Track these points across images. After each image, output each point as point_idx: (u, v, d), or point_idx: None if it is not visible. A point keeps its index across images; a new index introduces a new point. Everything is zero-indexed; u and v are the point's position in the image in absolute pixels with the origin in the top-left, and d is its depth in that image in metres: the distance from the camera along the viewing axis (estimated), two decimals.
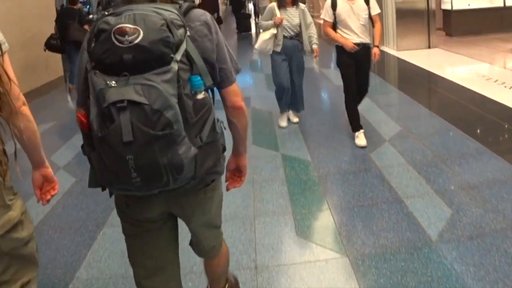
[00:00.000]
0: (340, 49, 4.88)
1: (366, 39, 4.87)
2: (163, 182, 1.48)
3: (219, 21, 17.00)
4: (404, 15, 11.06)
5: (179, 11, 1.58)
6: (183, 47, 1.50)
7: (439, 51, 10.90)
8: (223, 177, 1.94)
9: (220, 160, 1.77)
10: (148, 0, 1.61)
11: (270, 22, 5.42)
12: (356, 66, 4.87)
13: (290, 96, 5.65)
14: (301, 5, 5.54)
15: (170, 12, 1.52)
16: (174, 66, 1.45)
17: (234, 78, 1.78)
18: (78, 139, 2.59)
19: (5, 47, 1.64)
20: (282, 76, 5.53)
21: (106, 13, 1.53)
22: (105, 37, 1.47)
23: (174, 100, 1.44)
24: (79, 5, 9.15)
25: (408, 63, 9.72)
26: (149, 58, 1.44)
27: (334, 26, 4.86)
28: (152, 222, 1.81)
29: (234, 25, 18.96)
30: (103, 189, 1.68)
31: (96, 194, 3.33)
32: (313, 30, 5.52)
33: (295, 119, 5.92)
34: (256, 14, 20.34)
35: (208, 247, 2.03)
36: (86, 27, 8.12)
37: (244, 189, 3.40)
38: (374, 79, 7.06)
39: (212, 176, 1.78)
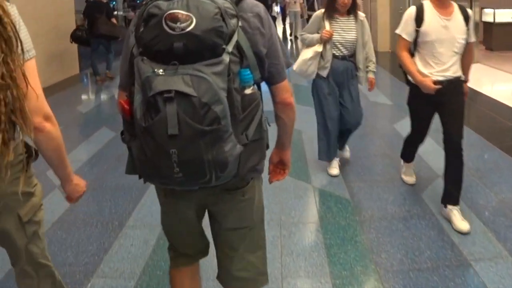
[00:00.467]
0: (415, 89, 3.44)
1: (457, 73, 3.39)
2: (206, 179, 1.43)
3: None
4: None
5: (232, 2, 1.49)
6: (235, 38, 1.43)
7: (480, 67, 10.06)
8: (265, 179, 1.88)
9: (262, 159, 1.67)
10: None
11: (316, 36, 4.04)
12: (439, 107, 3.43)
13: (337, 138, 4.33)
14: (360, 15, 4.14)
15: (224, 1, 1.45)
16: (226, 58, 1.39)
17: (286, 75, 1.70)
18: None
19: (29, 55, 1.56)
20: (330, 114, 4.12)
21: None
22: (155, 22, 1.40)
23: (223, 94, 1.37)
24: None
25: None
26: (201, 47, 1.38)
27: (411, 48, 3.45)
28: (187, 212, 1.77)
29: None
30: (140, 177, 1.61)
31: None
32: (371, 51, 4.19)
33: (347, 154, 4.66)
34: (284, 19, 20.46)
35: (236, 272, 1.83)
36: (113, 21, 8.77)
37: (271, 233, 3.12)
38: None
39: (252, 174, 1.69)
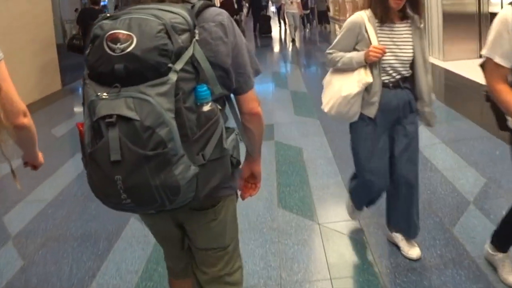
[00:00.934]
0: None
1: None
2: (158, 204, 1.36)
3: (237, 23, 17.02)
4: (452, 20, 9.51)
5: (191, 11, 1.42)
6: (187, 54, 1.35)
7: None
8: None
9: (231, 176, 1.57)
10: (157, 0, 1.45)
11: (355, 55, 2.61)
12: None
13: (387, 202, 2.96)
14: (416, 18, 2.66)
15: (175, 15, 1.36)
16: (172, 77, 1.31)
17: (252, 84, 1.61)
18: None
19: None
20: (377, 166, 2.73)
21: (108, 15, 1.44)
22: (98, 43, 1.38)
23: (169, 116, 1.30)
24: (101, 5, 9.36)
25: (458, 75, 8.26)
26: (142, 68, 1.32)
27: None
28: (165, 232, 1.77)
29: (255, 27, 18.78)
30: None
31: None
32: (430, 76, 2.77)
33: (414, 253, 2.88)
34: (280, 21, 20.04)
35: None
36: None
37: None
38: None
39: (223, 192, 1.60)
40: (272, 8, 24.05)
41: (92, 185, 1.43)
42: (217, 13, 1.52)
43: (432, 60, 9.64)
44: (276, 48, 15.58)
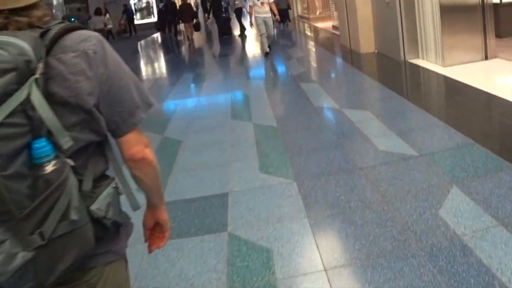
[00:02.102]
0: None
1: None
2: None
3: (196, 28, 17.87)
4: (451, 14, 7.59)
5: (36, 41, 1.13)
6: (15, 101, 1.07)
7: (501, 63, 7.49)
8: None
9: (114, 238, 1.33)
10: None
11: None
12: None
13: None
14: None
15: (6, 50, 1.06)
16: None
17: (135, 122, 1.33)
18: None
19: None
20: None
21: None
22: None
23: None
24: None
25: (465, 85, 6.33)
26: None
27: None
28: None
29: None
30: None
31: None
32: None
33: None
34: (242, 26, 18.21)
35: None
36: None
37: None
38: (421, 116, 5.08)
39: (99, 260, 1.30)
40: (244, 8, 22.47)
41: None
42: (83, 39, 1.23)
43: (428, 65, 7.73)
44: (236, 59, 13.41)
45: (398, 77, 7.96)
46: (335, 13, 15.12)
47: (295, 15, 23.41)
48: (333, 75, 8.85)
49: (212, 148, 5.24)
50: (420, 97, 6.43)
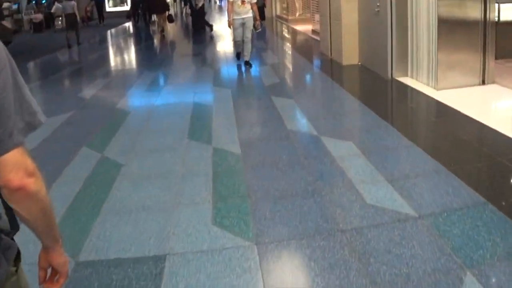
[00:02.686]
0: None
1: None
2: None
3: (170, 19, 17.35)
4: (451, 29, 6.67)
5: None
6: None
7: (499, 90, 6.65)
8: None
9: None
10: None
11: None
12: None
13: None
14: None
15: None
16: None
17: (12, 144, 1.15)
18: None
19: None
20: None
21: None
22: None
23: None
24: None
25: (465, 117, 5.42)
26: None
27: None
28: None
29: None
30: None
31: None
32: None
33: None
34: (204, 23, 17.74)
35: None
36: (4, 23, 8.16)
37: None
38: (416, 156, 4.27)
39: None
40: (221, 2, 21.78)
41: None
42: None
43: (420, 88, 6.80)
44: (206, 59, 12.31)
45: (385, 98, 7.01)
46: (316, 16, 14.16)
47: (273, 14, 22.40)
48: (310, 90, 7.81)
49: (158, 180, 4.17)
50: (412, 128, 5.47)
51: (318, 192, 3.73)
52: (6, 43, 7.69)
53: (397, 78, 7.58)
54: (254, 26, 9.47)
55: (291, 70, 9.98)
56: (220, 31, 17.59)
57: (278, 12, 22.28)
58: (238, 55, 10.13)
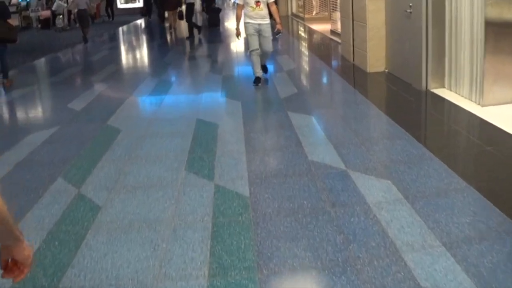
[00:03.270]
0: None
1: None
2: None
3: (180, 16, 16.77)
4: (501, 33, 5.65)
5: None
6: None
7: None
8: None
9: None
10: None
11: None
12: None
13: None
14: None
15: None
16: None
17: None
18: None
19: None
20: None
21: None
22: None
23: None
24: None
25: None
26: None
27: None
28: None
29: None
30: None
31: None
32: None
33: None
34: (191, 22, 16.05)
35: None
36: (10, 22, 8.54)
37: None
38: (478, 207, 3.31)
39: None
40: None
41: None
42: None
43: (460, 102, 5.77)
44: (217, 63, 11.34)
45: (421, 117, 5.98)
46: (335, 14, 13.12)
47: (289, 13, 21.39)
48: (332, 104, 6.74)
49: (141, 235, 3.21)
50: (462, 161, 4.43)
51: (352, 265, 2.74)
52: (11, 41, 8.47)
53: (432, 90, 6.56)
54: (274, 31, 7.54)
55: (309, 77, 8.91)
56: (233, 30, 16.63)
57: (294, 11, 21.24)
58: (257, 80, 7.54)
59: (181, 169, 4.29)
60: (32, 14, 23.42)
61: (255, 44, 7.30)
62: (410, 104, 6.22)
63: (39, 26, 22.55)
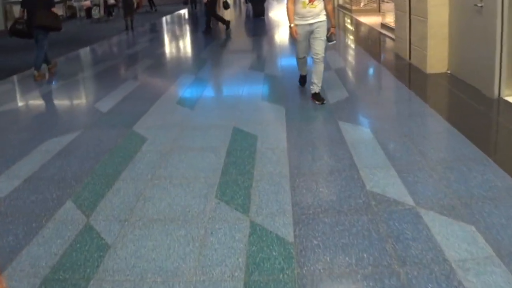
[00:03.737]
0: None
1: None
2: None
3: (226, 5, 16.16)
4: None
5: None
6: None
7: None
8: None
9: None
10: None
11: None
12: None
13: None
14: None
15: None
16: None
17: None
18: None
19: None
20: None
21: None
22: None
23: None
24: None
25: None
26: None
27: None
28: None
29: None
30: None
31: None
32: None
33: None
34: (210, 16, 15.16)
35: None
36: (54, 10, 8.68)
37: None
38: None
39: None
40: None
41: None
42: None
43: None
44: (259, 58, 10.54)
45: (499, 133, 5.02)
46: (385, 6, 12.13)
47: (335, 4, 20.39)
48: (390, 113, 5.77)
49: None
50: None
51: None
52: (56, 29, 8.64)
53: (505, 98, 5.62)
54: (327, 35, 6.01)
55: (361, 78, 7.96)
56: (278, 20, 15.81)
57: (341, 1, 20.24)
58: (302, 79, 6.84)
59: (211, 197, 3.56)
60: (75, 4, 23.35)
61: (303, 51, 6.23)
62: (481, 116, 5.28)
63: (84, 16, 22.48)
